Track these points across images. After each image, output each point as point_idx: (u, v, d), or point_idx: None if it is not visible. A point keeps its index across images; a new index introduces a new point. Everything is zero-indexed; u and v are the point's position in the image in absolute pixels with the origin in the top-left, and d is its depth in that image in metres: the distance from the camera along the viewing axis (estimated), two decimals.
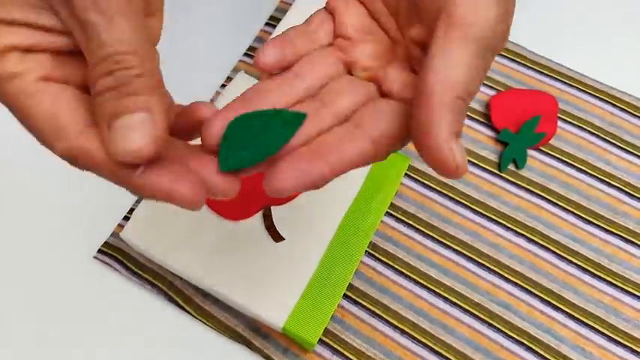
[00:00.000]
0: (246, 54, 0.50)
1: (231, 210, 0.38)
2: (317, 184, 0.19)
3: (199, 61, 0.50)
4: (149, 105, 0.18)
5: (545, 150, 0.47)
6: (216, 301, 0.41)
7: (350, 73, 0.24)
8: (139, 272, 0.41)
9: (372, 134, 0.20)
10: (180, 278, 0.41)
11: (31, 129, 0.19)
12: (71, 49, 0.19)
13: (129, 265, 0.42)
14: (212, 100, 0.48)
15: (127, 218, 0.43)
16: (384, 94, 0.23)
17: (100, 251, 0.42)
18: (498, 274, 0.42)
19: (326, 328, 0.40)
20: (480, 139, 0.47)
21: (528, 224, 0.44)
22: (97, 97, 0.18)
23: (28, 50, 0.18)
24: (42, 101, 0.18)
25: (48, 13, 0.18)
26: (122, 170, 0.18)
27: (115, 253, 0.42)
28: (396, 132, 0.21)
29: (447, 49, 0.19)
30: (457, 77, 0.19)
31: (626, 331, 0.41)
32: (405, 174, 0.46)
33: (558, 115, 0.48)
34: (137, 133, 0.17)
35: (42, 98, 0.18)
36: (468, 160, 0.46)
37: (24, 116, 0.19)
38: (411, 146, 0.47)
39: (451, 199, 0.45)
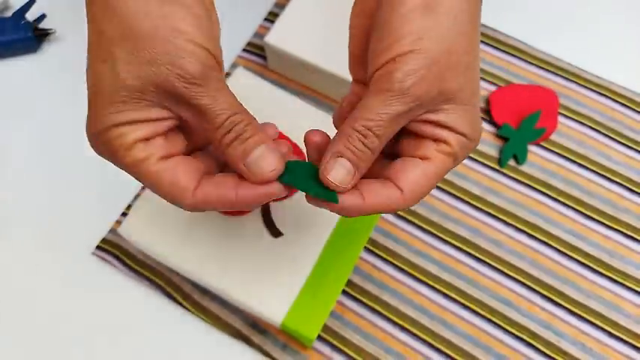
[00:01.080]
0: (244, 50, 0.50)
1: None
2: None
3: None
4: (262, 140, 0.25)
5: (546, 145, 0.46)
6: (214, 298, 0.40)
7: None
8: (137, 268, 0.41)
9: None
10: (179, 274, 0.41)
11: (160, 195, 0.25)
12: (173, 128, 0.26)
13: (127, 261, 0.41)
14: None
15: (125, 214, 0.43)
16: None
17: (98, 247, 0.42)
18: (498, 270, 0.42)
19: (325, 324, 0.40)
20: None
21: (529, 220, 0.44)
22: (227, 149, 0.25)
23: (147, 139, 0.24)
24: (164, 175, 0.24)
25: (156, 107, 0.24)
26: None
27: (114, 249, 0.42)
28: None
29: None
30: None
31: (627, 327, 0.40)
32: None
33: (559, 110, 0.48)
34: (267, 159, 0.25)
35: (164, 173, 0.24)
36: (469, 156, 0.46)
37: (153, 187, 0.25)
38: None
39: (451, 194, 0.45)
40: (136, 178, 0.25)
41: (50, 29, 0.49)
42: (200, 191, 0.25)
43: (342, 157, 0.25)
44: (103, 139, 0.24)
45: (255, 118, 0.26)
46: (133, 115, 0.24)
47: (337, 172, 0.25)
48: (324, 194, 0.25)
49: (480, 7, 0.26)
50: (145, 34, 0.23)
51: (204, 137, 0.28)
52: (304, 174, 0.26)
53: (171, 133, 0.26)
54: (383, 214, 0.43)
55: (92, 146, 0.25)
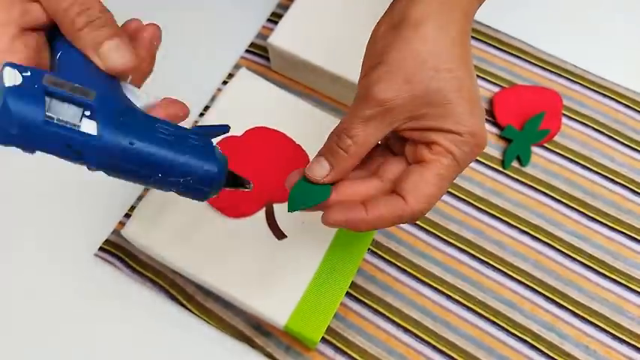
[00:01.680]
0: (247, 50, 0.50)
1: (233, 207, 0.38)
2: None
3: (201, 58, 0.50)
4: (117, 33, 0.26)
5: (550, 147, 0.46)
6: (217, 299, 0.40)
7: None
8: (141, 270, 0.41)
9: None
10: (182, 276, 0.41)
11: None
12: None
13: (130, 262, 0.41)
14: (213, 97, 0.48)
15: (128, 216, 0.43)
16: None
17: (101, 249, 0.42)
18: (502, 271, 0.42)
19: (328, 326, 0.40)
20: None
21: (532, 221, 0.44)
22: (78, 32, 0.25)
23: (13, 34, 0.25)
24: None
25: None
26: None
27: (117, 250, 0.42)
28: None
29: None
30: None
31: (631, 329, 0.40)
32: None
33: (562, 111, 0.48)
34: (120, 52, 0.25)
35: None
36: None
37: None
38: None
39: (454, 196, 0.45)
40: None
41: None
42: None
43: (321, 156, 0.29)
44: None
45: (108, 10, 0.26)
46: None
47: (314, 168, 0.29)
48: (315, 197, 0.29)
49: (471, 15, 0.29)
50: None
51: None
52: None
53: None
54: None
55: None
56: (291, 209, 0.30)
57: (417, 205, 0.27)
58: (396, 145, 0.30)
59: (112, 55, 0.25)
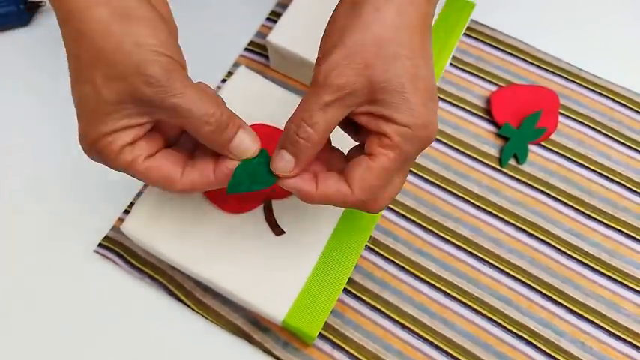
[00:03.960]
0: (246, 49, 0.50)
1: (231, 203, 0.38)
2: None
3: (201, 57, 0.50)
4: (239, 125, 0.29)
5: (546, 145, 0.47)
6: (216, 295, 0.41)
7: None
8: (140, 266, 0.41)
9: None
10: (181, 272, 0.41)
11: (154, 185, 0.29)
12: (151, 129, 0.29)
13: (129, 258, 0.42)
14: None
15: (127, 212, 0.43)
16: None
17: (100, 245, 0.42)
18: (498, 268, 0.42)
19: (326, 322, 0.40)
20: (481, 134, 0.47)
21: (529, 219, 0.44)
22: (210, 138, 0.28)
23: (132, 143, 0.28)
24: (152, 172, 0.28)
25: (135, 114, 0.27)
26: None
27: (116, 246, 0.42)
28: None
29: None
30: None
31: (627, 325, 0.41)
32: None
33: (559, 110, 0.48)
34: (246, 141, 0.29)
35: (151, 170, 0.28)
36: (470, 155, 0.46)
37: (146, 181, 0.29)
38: None
39: (451, 193, 0.45)
40: (130, 175, 0.29)
41: (41, 1, 0.49)
42: (186, 178, 0.29)
43: (282, 149, 0.29)
44: (96, 148, 0.28)
45: (224, 102, 0.29)
46: (116, 124, 0.27)
47: (278, 163, 0.29)
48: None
49: (433, 3, 0.29)
50: (111, 53, 0.26)
51: (179, 129, 0.31)
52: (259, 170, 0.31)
53: (150, 133, 0.29)
54: (383, 213, 0.44)
55: (87, 154, 0.29)
56: (231, 191, 0.30)
57: (361, 195, 0.28)
58: (349, 129, 0.31)
59: (242, 142, 0.29)
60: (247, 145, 0.29)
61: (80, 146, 0.29)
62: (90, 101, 0.27)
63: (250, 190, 0.31)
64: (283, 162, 0.29)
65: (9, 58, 0.48)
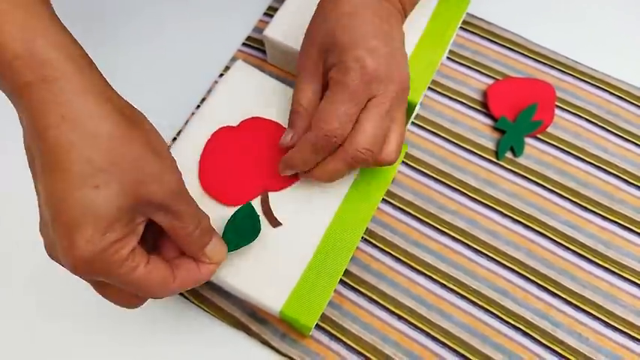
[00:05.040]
0: (244, 44, 0.51)
1: (228, 195, 0.38)
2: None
3: (199, 52, 0.51)
4: (213, 234, 0.32)
5: (543, 138, 0.47)
6: (214, 287, 0.41)
7: None
8: None
9: None
10: None
11: (149, 289, 0.29)
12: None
13: None
14: (210, 90, 0.48)
15: None
16: None
17: None
18: (495, 260, 0.42)
19: (323, 313, 0.40)
20: (478, 127, 0.47)
21: (525, 211, 0.44)
22: (192, 240, 0.30)
23: (133, 250, 0.27)
24: (152, 277, 0.28)
25: (139, 217, 0.28)
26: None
27: None
28: None
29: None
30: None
31: (623, 317, 0.41)
32: (403, 161, 0.46)
33: (555, 103, 0.48)
34: (220, 250, 0.32)
35: (151, 275, 0.28)
36: (466, 148, 0.46)
37: (142, 286, 0.28)
38: (407, 134, 0.47)
39: (448, 186, 0.45)
40: (122, 283, 0.28)
41: None
42: (178, 280, 0.30)
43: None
44: (99, 258, 0.26)
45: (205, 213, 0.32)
46: (124, 230, 0.27)
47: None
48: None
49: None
50: (132, 160, 0.26)
51: (163, 230, 0.31)
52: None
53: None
54: (380, 205, 0.44)
55: (81, 269, 0.26)
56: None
57: (321, 124, 0.33)
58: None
59: (214, 251, 0.32)
60: (219, 251, 0.32)
61: (66, 262, 0.26)
62: (98, 206, 0.25)
63: (238, 247, 0.35)
64: (286, 138, 0.36)
65: None
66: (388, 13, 0.35)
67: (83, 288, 0.41)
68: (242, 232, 0.36)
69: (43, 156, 0.25)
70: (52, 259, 0.28)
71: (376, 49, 0.33)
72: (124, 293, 0.30)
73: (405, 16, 0.38)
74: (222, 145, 0.40)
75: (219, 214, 0.38)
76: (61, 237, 0.25)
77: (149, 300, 0.41)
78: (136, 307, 0.31)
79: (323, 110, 0.33)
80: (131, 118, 0.27)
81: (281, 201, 0.39)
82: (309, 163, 0.35)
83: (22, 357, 0.39)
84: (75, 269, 0.26)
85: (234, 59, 0.50)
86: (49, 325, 0.40)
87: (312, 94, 0.36)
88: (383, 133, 0.34)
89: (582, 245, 0.43)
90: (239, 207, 0.37)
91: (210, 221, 0.37)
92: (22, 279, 0.42)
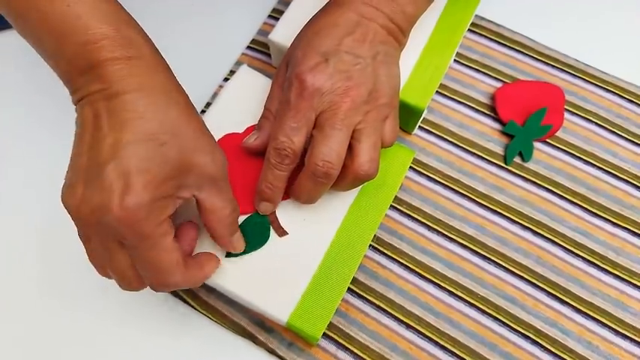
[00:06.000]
0: (248, 47, 0.50)
1: None
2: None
3: (203, 55, 0.50)
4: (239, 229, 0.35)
5: (552, 142, 0.46)
6: (220, 296, 0.40)
7: None
8: None
9: None
10: None
11: (159, 265, 0.30)
12: None
13: None
14: (214, 94, 0.48)
15: None
16: None
17: None
18: (504, 267, 0.42)
19: (330, 322, 0.40)
20: (486, 131, 0.47)
21: (534, 217, 0.44)
22: (225, 226, 0.33)
23: (169, 218, 0.29)
24: (174, 255, 0.30)
25: (184, 188, 0.30)
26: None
27: None
28: None
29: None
30: None
31: (633, 324, 0.40)
32: (410, 167, 0.45)
33: (565, 106, 0.47)
34: (241, 244, 0.35)
35: (174, 252, 0.30)
36: (474, 153, 0.46)
37: (158, 257, 0.29)
38: (415, 139, 0.46)
39: (456, 192, 0.44)
40: (147, 247, 0.29)
41: None
42: (188, 272, 0.31)
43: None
44: (147, 209, 0.27)
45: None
46: (172, 191, 0.29)
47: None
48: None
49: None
50: (192, 133, 0.30)
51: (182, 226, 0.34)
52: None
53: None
54: (387, 212, 0.43)
55: (126, 215, 0.27)
56: (230, 255, 0.36)
57: (271, 140, 0.35)
58: None
59: (237, 241, 0.35)
60: (241, 242, 0.35)
61: (114, 207, 0.27)
62: (160, 160, 0.28)
63: (246, 253, 0.36)
64: (250, 138, 0.38)
65: (8, 57, 0.48)
66: (365, 31, 0.35)
67: (86, 296, 0.41)
68: (250, 238, 0.36)
69: (113, 114, 0.28)
70: (81, 213, 0.28)
71: (322, 66, 0.34)
72: (132, 269, 0.30)
73: (403, 34, 0.38)
74: (228, 152, 0.39)
75: None
76: (117, 179, 0.27)
77: (154, 304, 0.41)
78: (131, 289, 0.32)
79: (273, 127, 0.35)
80: (189, 100, 0.32)
81: (287, 210, 0.38)
82: (274, 183, 0.36)
83: (21, 358, 0.39)
84: (122, 212, 0.27)
85: (238, 63, 0.49)
86: (46, 331, 0.40)
87: (278, 103, 0.37)
88: (340, 145, 0.34)
89: (592, 252, 0.42)
90: (251, 214, 0.37)
91: None
92: (22, 279, 0.41)
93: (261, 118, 0.38)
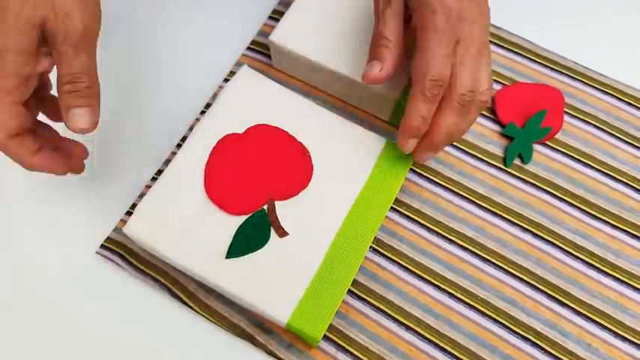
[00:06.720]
0: (249, 48, 0.50)
1: (234, 204, 0.38)
2: None
3: (203, 56, 0.50)
4: (91, 104, 0.33)
5: (551, 144, 0.46)
6: (219, 297, 0.40)
7: None
8: (142, 268, 0.41)
9: None
10: (184, 274, 0.41)
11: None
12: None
13: (132, 260, 0.41)
14: (214, 95, 0.48)
15: (130, 213, 0.43)
16: None
17: (102, 246, 0.42)
18: (504, 269, 0.42)
19: (330, 323, 0.40)
20: (486, 133, 0.47)
21: (534, 219, 0.44)
22: (62, 94, 0.32)
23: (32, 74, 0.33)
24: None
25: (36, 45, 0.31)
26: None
27: (118, 248, 0.42)
28: None
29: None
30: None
31: (633, 326, 0.40)
32: (410, 169, 0.45)
33: (564, 109, 0.47)
34: (83, 119, 0.33)
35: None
36: (474, 155, 0.46)
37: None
38: None
39: (456, 194, 0.44)
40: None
41: None
42: (37, 159, 0.34)
43: (374, 59, 0.37)
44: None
45: (98, 84, 0.34)
46: (26, 39, 0.31)
47: (370, 70, 0.37)
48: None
49: None
50: None
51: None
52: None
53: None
54: (388, 213, 0.43)
55: None
56: (230, 256, 0.36)
57: (424, 72, 0.33)
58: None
59: (76, 119, 0.33)
60: (83, 120, 0.33)
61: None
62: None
63: (245, 253, 0.36)
64: (374, 68, 0.35)
65: None
66: None
67: (84, 295, 0.41)
68: (250, 239, 0.36)
69: None
70: None
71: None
72: None
73: None
74: (228, 153, 0.39)
75: (225, 225, 0.37)
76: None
77: (151, 307, 0.40)
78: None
79: (422, 60, 0.33)
80: None
81: (288, 210, 0.38)
82: (426, 118, 0.35)
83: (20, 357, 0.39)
84: None
85: (239, 63, 0.49)
86: (47, 333, 0.40)
87: (399, 31, 0.35)
88: (477, 72, 0.34)
89: (591, 254, 0.42)
90: (251, 214, 0.37)
91: (217, 231, 0.37)
92: (21, 283, 0.41)
93: (377, 47, 0.36)
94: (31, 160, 0.34)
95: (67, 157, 0.37)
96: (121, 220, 0.43)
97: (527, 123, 0.46)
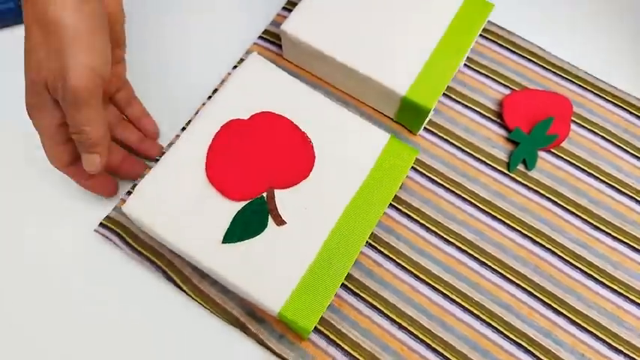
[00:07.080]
0: (261, 37, 0.50)
1: (234, 190, 0.37)
2: None
3: (214, 42, 0.50)
4: (97, 151, 0.36)
5: (557, 152, 0.46)
6: (213, 283, 0.40)
7: None
8: (139, 248, 0.41)
9: None
10: (180, 257, 0.40)
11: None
12: None
13: (129, 240, 0.41)
14: (222, 81, 0.48)
15: (130, 193, 0.43)
16: None
17: (101, 225, 0.42)
18: (501, 274, 0.42)
19: (322, 317, 0.40)
20: (491, 137, 0.46)
21: (534, 226, 0.43)
22: (76, 142, 0.36)
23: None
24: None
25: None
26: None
27: (116, 227, 0.42)
28: None
29: None
30: None
31: (628, 339, 0.40)
32: (412, 167, 0.45)
33: (572, 118, 0.47)
34: (90, 164, 0.36)
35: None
36: (478, 158, 0.46)
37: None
38: (419, 139, 0.46)
39: (457, 195, 0.44)
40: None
41: None
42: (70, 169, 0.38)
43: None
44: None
45: (106, 130, 0.36)
46: (36, 97, 0.34)
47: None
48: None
49: None
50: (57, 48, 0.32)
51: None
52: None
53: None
54: (387, 210, 0.43)
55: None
56: (226, 241, 0.36)
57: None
58: None
59: (86, 164, 0.36)
60: (95, 163, 0.36)
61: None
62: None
63: (242, 239, 0.36)
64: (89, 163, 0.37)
65: (7, 55, 0.48)
66: None
67: (80, 273, 0.41)
68: (248, 225, 0.36)
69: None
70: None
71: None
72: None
73: None
74: (231, 138, 0.39)
75: (224, 210, 0.37)
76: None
77: (146, 288, 0.40)
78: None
79: None
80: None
81: (287, 199, 0.38)
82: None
83: (16, 357, 0.39)
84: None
85: (249, 52, 0.49)
86: (43, 310, 0.40)
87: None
88: None
89: (590, 264, 0.42)
90: (251, 200, 0.37)
91: (215, 216, 0.37)
92: (20, 260, 0.41)
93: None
94: (85, 183, 0.40)
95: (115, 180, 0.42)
96: (121, 199, 0.43)
97: (533, 129, 0.46)
